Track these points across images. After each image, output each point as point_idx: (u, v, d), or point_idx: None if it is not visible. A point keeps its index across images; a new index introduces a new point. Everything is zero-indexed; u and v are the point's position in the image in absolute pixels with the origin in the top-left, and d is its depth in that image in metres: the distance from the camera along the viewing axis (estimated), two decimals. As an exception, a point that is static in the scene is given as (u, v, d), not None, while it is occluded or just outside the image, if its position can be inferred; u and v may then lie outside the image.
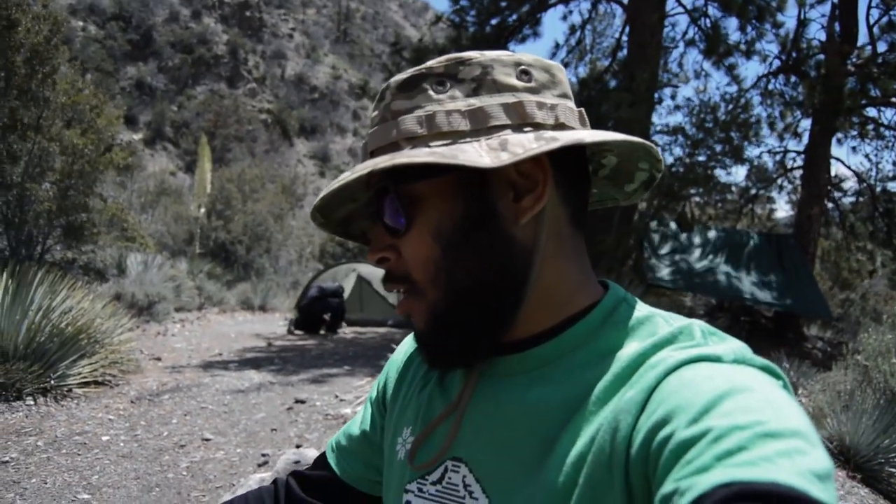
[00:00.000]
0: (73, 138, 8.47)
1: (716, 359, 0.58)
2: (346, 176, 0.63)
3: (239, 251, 19.07)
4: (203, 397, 5.29)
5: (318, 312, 10.22)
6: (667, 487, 0.47)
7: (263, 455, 3.90)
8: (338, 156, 44.51)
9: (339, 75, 50.90)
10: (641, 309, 0.68)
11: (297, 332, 10.28)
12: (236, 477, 3.54)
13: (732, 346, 0.60)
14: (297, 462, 3.01)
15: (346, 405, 5.14)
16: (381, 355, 7.25)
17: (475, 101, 0.65)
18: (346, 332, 10.68)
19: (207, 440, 4.17)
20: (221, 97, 41.99)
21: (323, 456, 0.93)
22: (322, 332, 10.31)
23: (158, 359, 6.92)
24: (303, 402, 5.23)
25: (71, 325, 5.11)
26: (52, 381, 4.77)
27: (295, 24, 55.54)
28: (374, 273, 11.45)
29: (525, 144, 0.62)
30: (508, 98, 0.66)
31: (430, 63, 0.68)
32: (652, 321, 0.66)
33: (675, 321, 0.65)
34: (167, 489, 3.35)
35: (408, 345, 0.89)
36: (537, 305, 0.68)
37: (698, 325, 0.64)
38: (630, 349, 0.62)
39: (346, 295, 10.89)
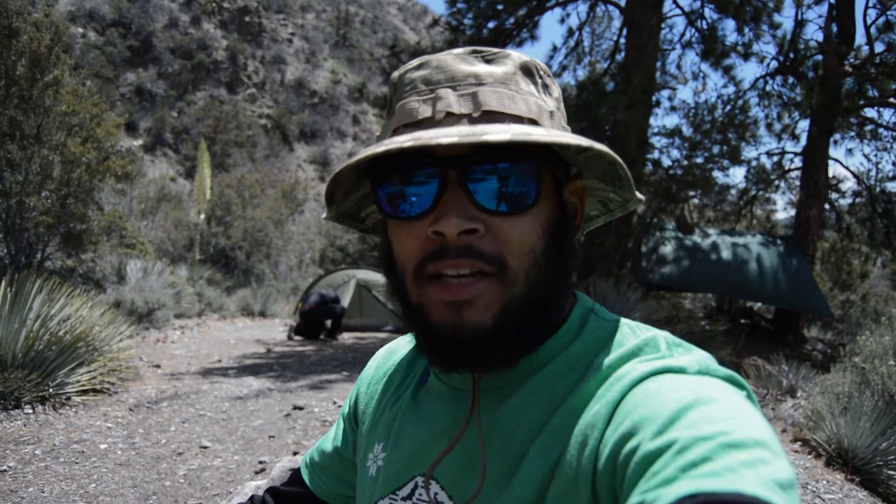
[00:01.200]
0: (72, 147, 8.48)
1: (680, 370, 0.58)
2: (499, 136, 0.55)
3: (239, 257, 19.07)
4: (201, 404, 5.29)
5: (320, 318, 10.22)
6: (633, 500, 0.47)
7: (261, 462, 3.90)
8: (338, 160, 44.48)
9: (339, 80, 50.95)
10: (609, 320, 0.69)
11: (297, 337, 10.27)
12: (233, 484, 3.54)
13: (697, 357, 0.61)
14: (292, 469, 3.00)
15: (345, 411, 5.14)
16: (381, 360, 7.22)
17: (562, 121, 0.69)
18: (346, 337, 10.67)
19: (205, 448, 4.17)
20: (221, 103, 42.04)
21: (297, 472, 0.94)
22: (322, 337, 10.31)
23: (158, 366, 6.92)
24: (301, 408, 5.22)
25: (69, 333, 5.11)
26: (51, 390, 4.78)
27: (294, 29, 55.63)
28: (374, 279, 11.45)
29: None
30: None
31: (533, 59, 0.68)
32: (619, 332, 0.66)
33: (641, 332, 0.66)
34: (164, 497, 3.35)
35: (379, 360, 0.90)
36: None
37: (664, 336, 0.64)
38: (597, 362, 0.63)
39: (345, 303, 10.89)
